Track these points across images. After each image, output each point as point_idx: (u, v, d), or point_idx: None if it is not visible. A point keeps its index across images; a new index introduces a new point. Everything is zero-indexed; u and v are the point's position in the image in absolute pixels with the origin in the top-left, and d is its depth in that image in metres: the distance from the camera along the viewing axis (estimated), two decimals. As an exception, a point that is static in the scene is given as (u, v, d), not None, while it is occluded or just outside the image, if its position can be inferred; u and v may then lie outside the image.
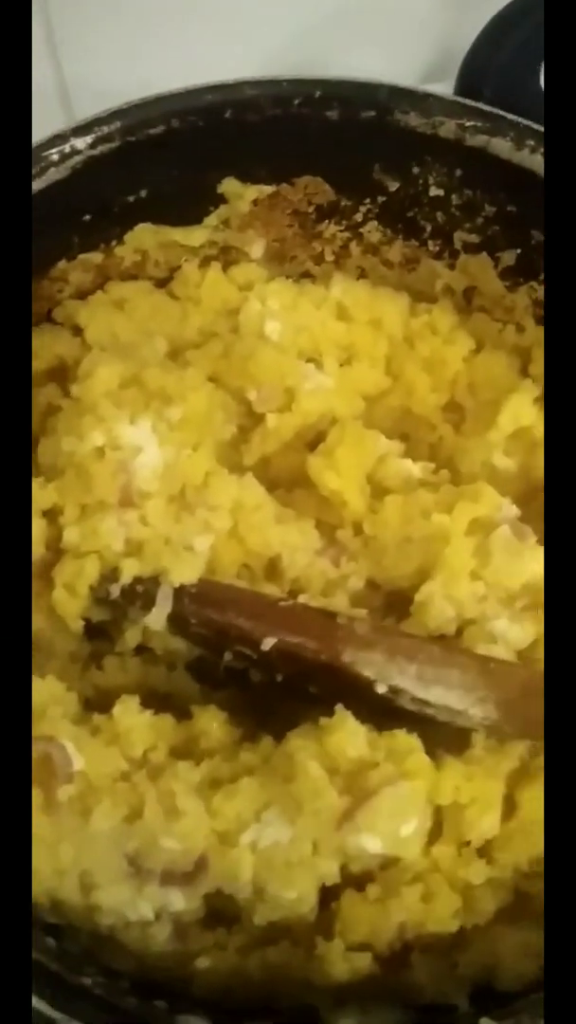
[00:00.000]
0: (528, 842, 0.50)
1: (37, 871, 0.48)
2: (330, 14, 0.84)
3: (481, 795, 0.50)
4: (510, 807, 0.51)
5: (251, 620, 0.54)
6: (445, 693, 0.51)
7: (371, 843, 0.48)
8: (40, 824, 0.48)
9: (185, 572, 0.55)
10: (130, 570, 0.55)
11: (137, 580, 0.56)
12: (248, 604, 0.55)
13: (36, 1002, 0.40)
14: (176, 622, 0.56)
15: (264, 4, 0.84)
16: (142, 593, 0.56)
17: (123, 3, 0.84)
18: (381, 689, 0.51)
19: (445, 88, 0.72)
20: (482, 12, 0.75)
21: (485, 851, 0.50)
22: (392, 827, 0.48)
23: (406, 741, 0.50)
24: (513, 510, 0.58)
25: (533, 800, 0.50)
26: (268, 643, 0.54)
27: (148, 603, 0.56)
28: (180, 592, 0.55)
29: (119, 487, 0.57)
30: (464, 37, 0.76)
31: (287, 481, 0.64)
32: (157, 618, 0.55)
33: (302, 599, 0.58)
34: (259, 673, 0.56)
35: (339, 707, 0.50)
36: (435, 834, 0.50)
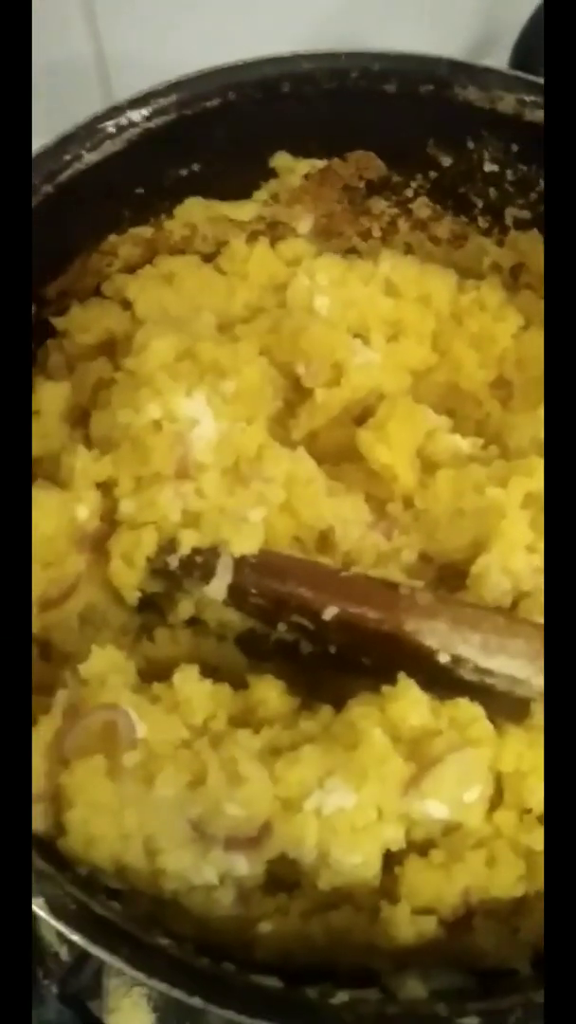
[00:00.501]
0: None
1: (102, 836, 0.48)
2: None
3: (540, 763, 0.49)
4: None
5: (313, 590, 0.55)
6: (508, 662, 0.51)
7: (436, 809, 0.48)
8: (105, 790, 0.48)
9: (245, 543, 0.56)
10: (189, 541, 0.56)
11: (196, 551, 0.56)
12: (310, 574, 0.56)
13: (110, 958, 0.40)
14: (235, 593, 0.56)
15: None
16: (201, 564, 0.56)
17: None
18: (444, 659, 0.52)
19: (499, 60, 0.71)
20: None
21: None
22: (457, 793, 0.48)
23: (469, 709, 0.50)
24: (566, 485, 0.59)
25: None
26: (330, 612, 0.54)
27: (207, 574, 0.56)
28: (241, 563, 0.56)
29: (176, 459, 0.57)
30: (509, 12, 0.76)
31: (334, 455, 0.64)
32: (218, 588, 0.56)
33: (355, 571, 0.59)
34: (311, 645, 0.57)
35: (402, 675, 0.51)
36: (496, 801, 0.50)
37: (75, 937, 0.41)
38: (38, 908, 0.42)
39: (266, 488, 0.58)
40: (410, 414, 0.62)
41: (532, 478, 0.58)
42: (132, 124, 0.58)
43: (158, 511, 0.56)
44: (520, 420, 0.64)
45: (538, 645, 0.51)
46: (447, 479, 0.60)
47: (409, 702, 0.50)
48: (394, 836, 0.48)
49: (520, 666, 0.51)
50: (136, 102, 0.58)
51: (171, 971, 0.41)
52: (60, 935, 0.44)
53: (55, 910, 0.42)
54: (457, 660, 0.52)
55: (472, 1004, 0.41)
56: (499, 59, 0.75)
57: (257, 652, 0.59)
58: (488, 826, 0.49)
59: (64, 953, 0.45)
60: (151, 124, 0.58)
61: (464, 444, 0.63)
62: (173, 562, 0.56)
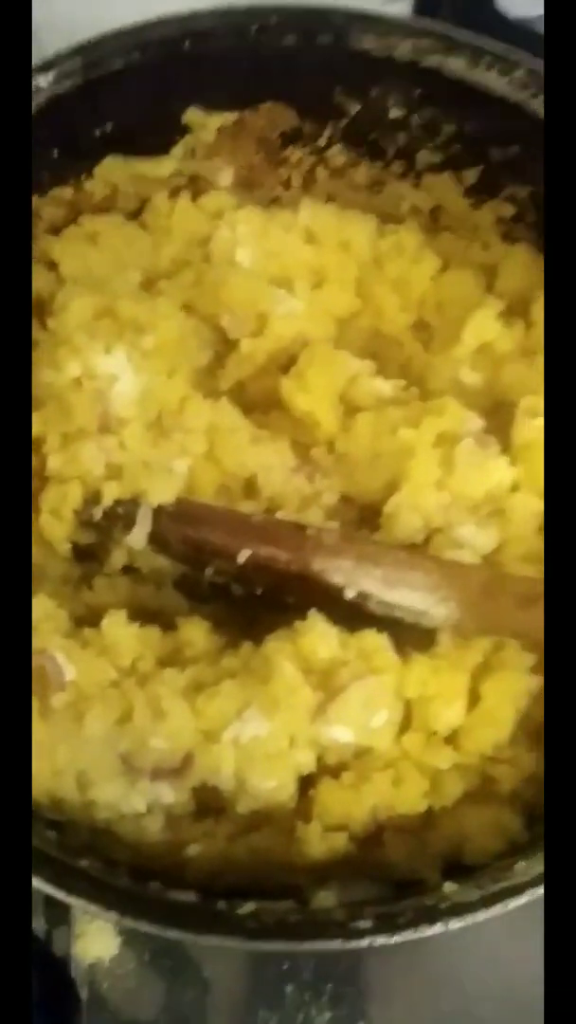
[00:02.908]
0: (491, 730, 0.53)
1: (37, 773, 0.51)
2: None
3: (446, 688, 0.53)
4: (474, 699, 0.54)
5: (225, 535, 0.58)
6: (409, 594, 0.54)
7: (343, 734, 0.52)
8: (37, 730, 0.52)
9: (163, 492, 0.59)
10: (111, 493, 0.58)
11: (118, 502, 0.59)
12: (222, 520, 0.59)
13: (37, 882, 0.44)
14: (157, 540, 0.59)
15: None
16: (123, 514, 0.59)
17: None
18: (350, 594, 0.55)
19: (403, 7, 0.72)
20: None
21: (451, 739, 0.54)
22: (362, 719, 0.52)
23: (374, 640, 0.53)
24: (478, 423, 0.61)
25: (495, 691, 0.54)
26: (243, 555, 0.57)
27: (129, 524, 0.59)
28: (158, 512, 0.59)
29: (97, 415, 0.59)
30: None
31: (263, 404, 0.66)
32: (138, 537, 0.59)
33: (279, 515, 0.61)
34: (240, 587, 0.60)
35: (312, 611, 0.54)
36: (404, 725, 0.54)
37: None
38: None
39: (188, 439, 0.60)
40: (331, 361, 0.64)
41: (443, 417, 0.60)
42: (39, 90, 0.59)
43: (82, 466, 0.58)
44: (438, 361, 0.66)
45: (436, 577, 0.54)
46: (366, 422, 0.62)
47: (318, 635, 0.53)
48: (305, 760, 0.52)
49: (420, 598, 0.54)
50: (41, 68, 0.59)
51: (90, 889, 0.45)
52: None
53: None
54: (363, 595, 0.55)
55: (369, 909, 0.45)
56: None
57: (196, 595, 0.62)
58: (396, 749, 0.53)
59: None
60: (59, 89, 0.59)
61: (386, 387, 0.64)
62: (97, 514, 0.59)
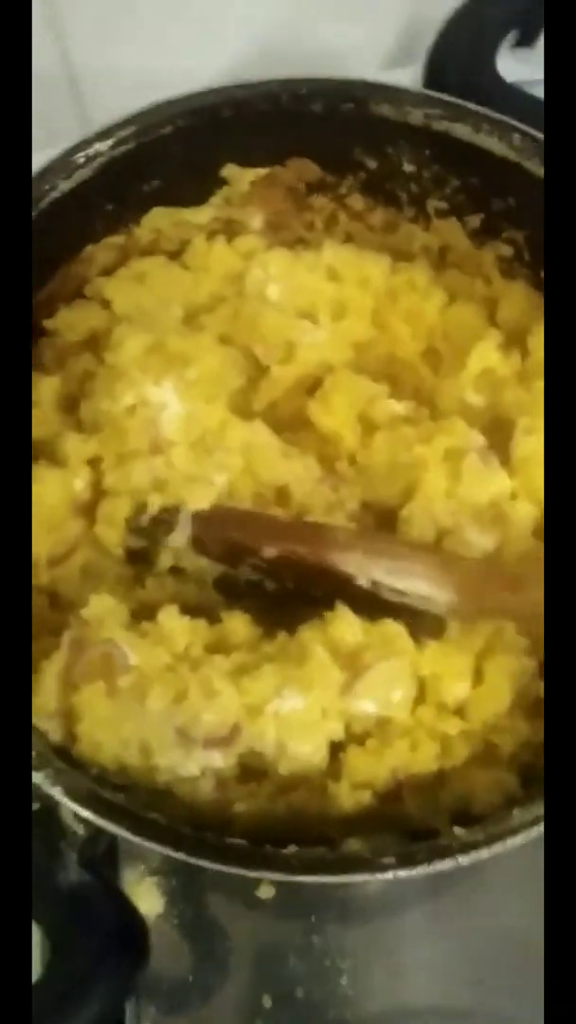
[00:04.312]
0: (493, 702, 0.61)
1: (106, 743, 0.59)
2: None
3: (454, 668, 0.61)
4: (478, 677, 0.62)
5: (253, 535, 0.66)
6: (413, 581, 0.62)
7: (368, 706, 0.60)
8: (106, 707, 0.59)
9: (199, 501, 0.67)
10: (156, 502, 0.67)
11: (163, 510, 0.67)
12: (250, 522, 0.67)
13: (114, 828, 0.52)
14: (196, 543, 0.67)
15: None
16: (166, 521, 0.67)
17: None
18: (363, 583, 0.63)
19: (414, 69, 0.81)
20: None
21: (459, 711, 0.61)
22: (384, 694, 0.59)
23: (393, 628, 0.61)
24: (480, 440, 0.69)
25: (496, 670, 0.61)
26: (270, 552, 0.65)
27: (171, 528, 0.67)
28: (196, 517, 0.67)
29: (149, 438, 0.67)
30: (433, 17, 0.85)
31: (292, 423, 0.74)
32: (179, 539, 0.67)
33: (308, 519, 0.69)
34: (272, 582, 0.68)
35: (339, 603, 0.62)
36: (419, 699, 0.61)
37: (86, 814, 0.53)
38: (58, 795, 0.54)
39: (227, 456, 0.68)
40: (351, 385, 0.72)
41: (451, 435, 0.68)
42: (99, 154, 0.67)
43: (133, 481, 0.66)
44: (446, 384, 0.74)
45: (435, 566, 0.62)
46: (383, 439, 0.70)
47: (344, 624, 0.61)
48: (335, 729, 0.59)
49: (423, 585, 0.62)
50: (101, 135, 0.67)
51: (160, 834, 0.53)
52: (76, 816, 0.55)
53: (71, 795, 0.53)
54: (375, 584, 0.63)
55: (391, 849, 0.54)
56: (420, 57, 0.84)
57: (232, 593, 0.70)
58: (412, 719, 0.61)
59: (80, 830, 0.57)
60: (115, 152, 0.67)
61: (399, 407, 0.72)
62: (145, 521, 0.67)
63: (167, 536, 0.68)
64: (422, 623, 0.63)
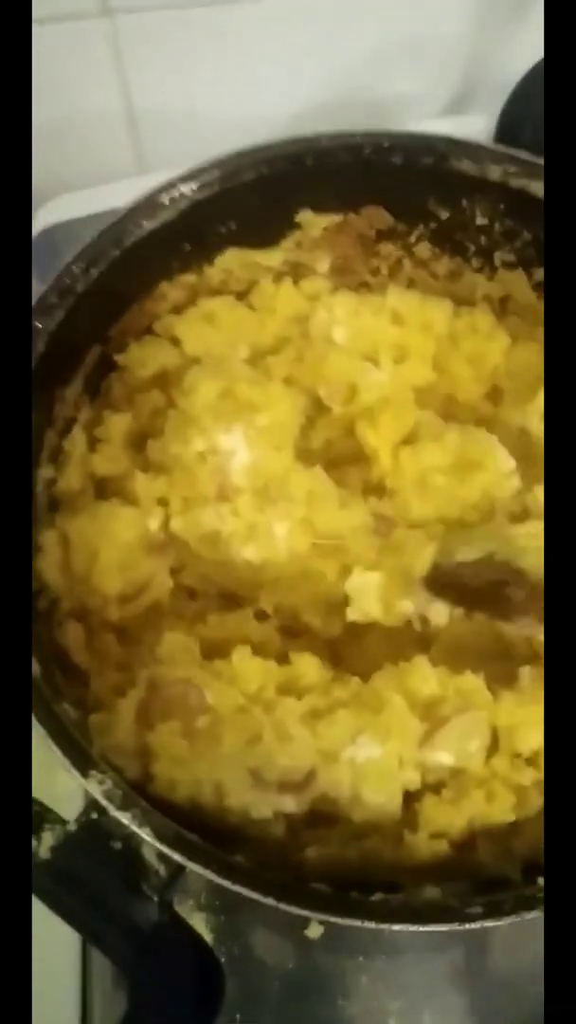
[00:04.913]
0: None
1: (181, 781, 0.59)
2: (375, 44, 0.94)
3: (528, 718, 0.62)
4: None
5: None
6: None
7: (445, 758, 0.60)
8: (182, 747, 0.60)
9: (264, 553, 0.68)
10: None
11: None
12: None
13: (204, 871, 0.53)
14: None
15: (317, 33, 0.93)
16: None
17: (186, 34, 0.93)
18: None
19: (476, 118, 0.82)
20: (512, 50, 0.85)
21: (532, 760, 0.62)
22: (461, 746, 0.60)
23: (472, 680, 0.62)
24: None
25: None
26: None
27: None
28: None
29: (217, 484, 0.68)
30: (497, 70, 0.87)
31: (344, 459, 0.75)
32: None
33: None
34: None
35: (417, 656, 0.63)
36: (493, 750, 0.62)
37: (176, 856, 0.53)
38: (147, 836, 0.54)
39: (290, 506, 0.69)
40: (403, 411, 0.73)
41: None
42: (183, 196, 0.68)
43: (201, 528, 0.67)
44: (509, 412, 0.75)
45: None
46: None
47: (422, 675, 0.62)
48: (412, 779, 0.60)
49: None
50: (186, 178, 0.68)
51: (246, 879, 0.53)
52: (159, 855, 0.55)
53: (159, 836, 0.54)
54: None
55: (477, 898, 0.54)
56: (480, 108, 0.85)
57: (290, 632, 0.71)
58: (487, 769, 0.61)
59: (162, 871, 0.57)
60: (198, 196, 0.69)
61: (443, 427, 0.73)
62: None
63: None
64: (497, 672, 0.64)
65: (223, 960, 0.75)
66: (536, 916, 0.52)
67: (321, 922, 0.73)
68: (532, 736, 0.62)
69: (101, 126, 0.96)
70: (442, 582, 0.66)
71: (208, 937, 0.76)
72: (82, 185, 0.93)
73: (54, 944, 0.73)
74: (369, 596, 0.66)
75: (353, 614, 0.66)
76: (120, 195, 0.69)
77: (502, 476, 0.69)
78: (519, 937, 0.76)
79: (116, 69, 0.93)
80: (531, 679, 0.64)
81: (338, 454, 0.76)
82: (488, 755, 0.62)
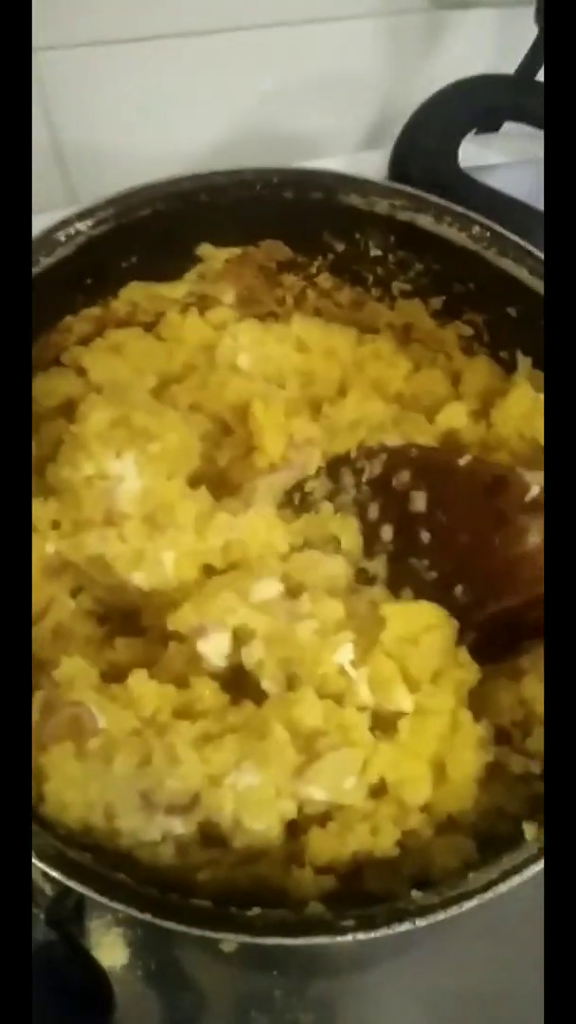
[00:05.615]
0: (457, 800, 0.63)
1: (72, 804, 0.60)
2: (292, 79, 0.96)
3: (412, 773, 0.62)
4: (440, 773, 0.63)
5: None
6: None
7: (318, 792, 0.60)
8: (73, 768, 0.60)
9: (149, 580, 0.68)
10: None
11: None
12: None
13: (83, 889, 0.54)
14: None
15: (237, 69, 0.96)
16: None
17: (110, 78, 0.95)
18: (535, 491, 0.63)
19: (383, 153, 0.85)
20: (418, 85, 0.88)
21: (424, 807, 0.62)
22: (335, 782, 0.60)
23: (353, 717, 0.62)
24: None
25: (458, 767, 0.63)
26: (465, 459, 0.68)
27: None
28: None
29: (103, 509, 0.69)
30: (403, 105, 0.89)
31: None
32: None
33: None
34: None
35: (305, 686, 0.63)
36: (381, 790, 0.62)
37: (56, 875, 0.54)
38: (29, 855, 0.55)
39: (178, 533, 0.69)
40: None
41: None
42: (79, 233, 0.69)
43: (86, 550, 0.68)
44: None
45: None
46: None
47: (307, 706, 0.62)
48: (287, 809, 0.60)
49: None
50: (82, 215, 0.69)
51: (127, 896, 0.54)
52: (45, 875, 0.56)
53: (41, 855, 0.55)
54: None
55: (351, 912, 0.55)
56: (389, 142, 0.88)
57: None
58: (373, 803, 0.62)
59: (48, 889, 0.58)
60: (94, 232, 0.70)
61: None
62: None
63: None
64: (379, 718, 0.64)
65: (140, 974, 0.77)
66: (407, 928, 0.54)
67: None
68: (419, 791, 0.62)
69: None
70: None
71: (125, 952, 0.77)
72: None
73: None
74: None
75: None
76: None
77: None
78: (438, 951, 0.78)
79: (41, 105, 0.95)
80: (410, 730, 0.63)
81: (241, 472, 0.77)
82: (375, 793, 0.62)
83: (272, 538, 0.71)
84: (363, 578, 0.72)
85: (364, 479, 0.73)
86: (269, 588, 0.68)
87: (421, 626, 0.66)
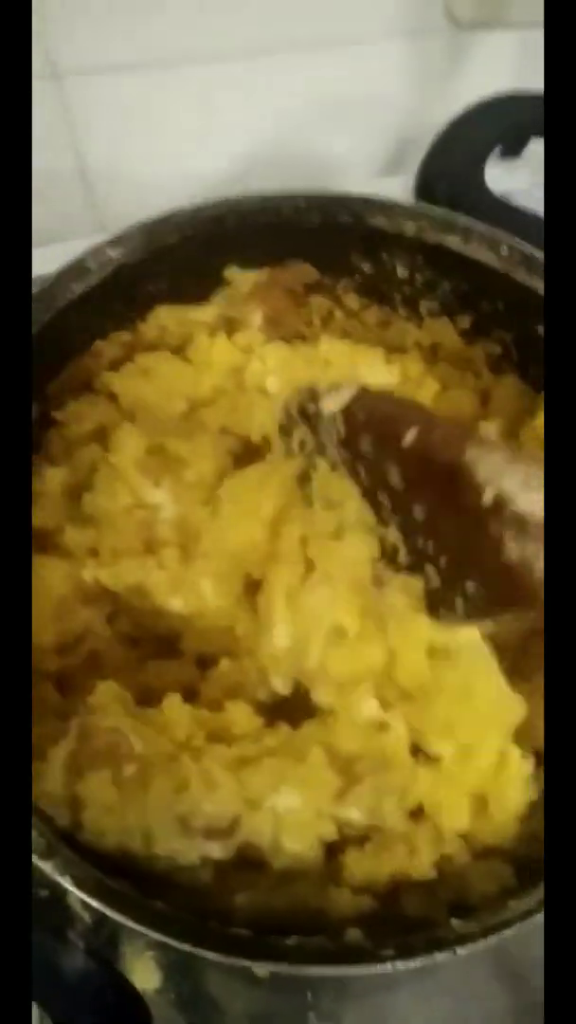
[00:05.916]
0: (494, 835, 0.62)
1: (110, 829, 0.60)
2: (313, 102, 0.97)
3: (451, 801, 0.62)
4: (481, 804, 0.62)
5: (402, 409, 0.66)
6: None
7: (357, 815, 0.61)
8: (111, 795, 0.60)
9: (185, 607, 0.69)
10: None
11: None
12: (400, 405, 0.67)
13: (120, 917, 0.54)
14: (348, 416, 0.68)
15: (258, 92, 0.97)
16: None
17: (136, 103, 0.97)
18: (488, 497, 0.57)
19: (404, 179, 0.85)
20: (441, 107, 0.88)
21: (462, 835, 0.62)
22: (374, 805, 0.60)
23: (393, 743, 0.62)
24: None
25: (499, 799, 0.62)
26: (410, 435, 0.62)
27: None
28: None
29: (143, 538, 0.70)
30: (427, 126, 0.90)
31: None
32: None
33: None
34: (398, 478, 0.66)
35: (344, 709, 0.63)
36: (419, 814, 0.62)
37: (94, 903, 0.54)
38: (67, 884, 0.55)
39: (215, 562, 0.69)
40: None
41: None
42: (110, 261, 0.71)
43: (126, 580, 0.69)
44: None
45: None
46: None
47: (347, 729, 0.62)
48: (328, 831, 0.60)
49: None
50: (112, 243, 0.70)
51: (164, 924, 0.54)
52: (83, 903, 0.57)
53: (79, 884, 0.55)
54: (500, 499, 0.57)
55: (391, 940, 0.55)
56: (411, 164, 0.88)
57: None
58: (411, 824, 0.62)
59: (87, 918, 0.58)
60: (124, 260, 0.71)
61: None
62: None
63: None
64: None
65: (173, 997, 0.77)
66: (447, 957, 0.54)
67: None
68: (458, 820, 0.62)
69: (56, 185, 0.99)
70: None
71: (158, 976, 0.77)
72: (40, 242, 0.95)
73: None
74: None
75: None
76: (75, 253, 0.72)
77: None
78: (466, 974, 0.77)
79: (68, 129, 0.96)
80: (452, 761, 0.63)
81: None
82: (413, 815, 0.62)
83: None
84: (386, 553, 0.69)
85: (335, 440, 0.70)
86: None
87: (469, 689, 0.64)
